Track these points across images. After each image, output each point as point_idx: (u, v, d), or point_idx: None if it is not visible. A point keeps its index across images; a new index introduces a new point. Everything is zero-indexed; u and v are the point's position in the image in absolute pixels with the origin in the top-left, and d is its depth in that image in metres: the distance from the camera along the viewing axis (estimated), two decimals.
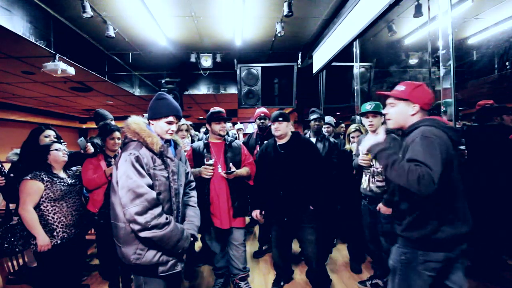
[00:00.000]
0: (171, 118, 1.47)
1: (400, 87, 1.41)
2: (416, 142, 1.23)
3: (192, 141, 3.21)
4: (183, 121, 2.66)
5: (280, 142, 2.24)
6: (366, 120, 2.21)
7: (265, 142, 2.42)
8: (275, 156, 2.20)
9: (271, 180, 2.19)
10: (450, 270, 1.33)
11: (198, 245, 3.34)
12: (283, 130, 2.19)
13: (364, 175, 2.30)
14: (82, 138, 2.42)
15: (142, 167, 1.35)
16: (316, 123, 2.92)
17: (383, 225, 2.13)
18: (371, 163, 2.21)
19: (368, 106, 2.20)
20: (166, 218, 1.35)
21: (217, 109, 2.28)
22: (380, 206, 2.11)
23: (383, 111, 1.49)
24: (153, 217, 1.29)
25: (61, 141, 2.26)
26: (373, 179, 2.23)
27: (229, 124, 4.53)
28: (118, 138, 2.34)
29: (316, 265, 2.22)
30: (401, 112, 1.38)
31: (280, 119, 2.19)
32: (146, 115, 1.58)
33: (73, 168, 2.31)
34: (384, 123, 2.21)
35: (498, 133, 2.36)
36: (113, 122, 2.81)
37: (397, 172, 1.20)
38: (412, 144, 1.26)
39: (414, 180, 1.14)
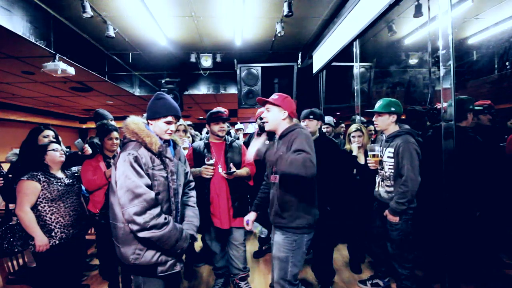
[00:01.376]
0: (170, 118, 1.47)
1: (274, 96, 1.68)
2: (297, 139, 1.53)
3: (193, 141, 3.21)
4: (181, 121, 2.66)
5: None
6: (373, 119, 2.18)
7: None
8: None
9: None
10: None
11: (198, 245, 3.34)
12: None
13: (377, 178, 2.24)
14: (80, 140, 2.41)
15: (141, 167, 1.35)
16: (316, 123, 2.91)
17: (389, 232, 2.08)
18: (378, 166, 2.15)
19: (376, 105, 2.13)
20: (165, 218, 1.35)
21: (216, 109, 2.28)
22: (387, 213, 2.05)
23: (262, 115, 1.76)
24: (152, 217, 1.29)
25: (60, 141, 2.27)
26: (382, 183, 2.15)
27: (238, 126, 4.54)
28: (116, 138, 2.33)
29: (324, 259, 2.28)
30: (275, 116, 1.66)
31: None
32: (145, 115, 1.58)
33: (73, 168, 2.30)
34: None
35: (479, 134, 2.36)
36: (113, 122, 2.80)
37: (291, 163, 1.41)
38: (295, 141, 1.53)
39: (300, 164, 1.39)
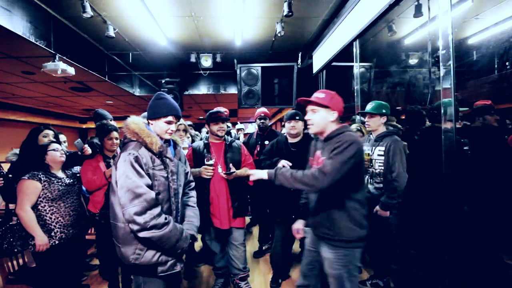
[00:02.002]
0: (170, 118, 1.47)
1: (320, 94, 1.52)
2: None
3: (193, 141, 3.21)
4: (181, 121, 2.66)
5: (292, 140, 2.26)
6: (365, 119, 2.25)
7: (276, 139, 2.43)
8: (287, 154, 2.22)
9: None
10: None
11: (198, 245, 3.34)
12: (299, 129, 2.23)
13: (364, 175, 2.31)
14: (79, 140, 2.41)
15: (141, 167, 1.35)
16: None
17: (380, 228, 2.17)
18: (369, 164, 2.22)
19: (368, 106, 2.23)
20: (165, 218, 1.35)
21: (216, 109, 2.28)
22: (377, 208, 2.14)
23: (306, 117, 1.58)
24: (152, 217, 1.29)
25: (63, 141, 2.26)
26: (371, 180, 2.25)
27: (238, 126, 4.53)
28: (116, 138, 2.32)
29: None
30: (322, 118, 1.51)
31: (297, 117, 2.22)
32: (144, 114, 1.58)
33: (74, 169, 2.30)
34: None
35: (482, 133, 2.39)
36: (112, 122, 2.80)
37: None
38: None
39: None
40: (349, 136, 1.41)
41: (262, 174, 1.55)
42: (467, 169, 2.18)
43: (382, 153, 2.16)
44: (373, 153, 2.23)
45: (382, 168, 2.17)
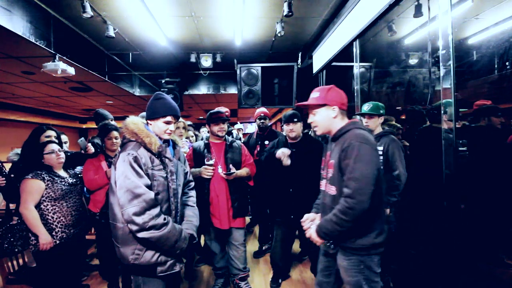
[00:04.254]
0: (169, 118, 1.47)
1: (315, 94, 1.46)
2: (353, 152, 1.28)
3: (197, 140, 3.21)
4: (180, 120, 2.66)
5: (291, 141, 2.26)
6: (363, 120, 2.25)
7: (276, 140, 2.42)
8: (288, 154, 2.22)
9: (281, 177, 2.20)
10: None
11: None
12: (297, 131, 2.22)
13: None
14: (83, 138, 2.41)
15: (140, 167, 1.35)
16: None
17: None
18: None
19: (365, 107, 2.23)
20: (164, 219, 1.35)
21: (216, 109, 2.28)
22: None
23: (308, 120, 1.51)
24: (151, 217, 1.29)
25: (64, 141, 2.25)
26: None
27: (237, 126, 4.53)
28: (116, 138, 2.32)
29: None
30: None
31: (295, 119, 2.21)
32: (142, 113, 1.57)
33: (77, 169, 2.31)
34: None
35: (486, 134, 2.39)
36: (113, 122, 2.81)
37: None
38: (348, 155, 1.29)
39: None
40: (356, 137, 1.30)
41: (316, 239, 1.40)
42: (464, 170, 2.18)
43: (381, 152, 2.17)
44: None
45: (382, 167, 2.17)
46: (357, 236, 1.34)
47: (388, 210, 2.13)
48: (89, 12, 2.91)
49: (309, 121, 1.51)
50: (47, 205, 1.88)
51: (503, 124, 2.54)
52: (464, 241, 1.86)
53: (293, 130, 2.21)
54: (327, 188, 1.44)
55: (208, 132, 2.36)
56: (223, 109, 2.49)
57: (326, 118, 1.42)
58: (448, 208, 1.75)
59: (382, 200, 1.38)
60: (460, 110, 2.22)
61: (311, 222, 1.51)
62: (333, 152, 1.42)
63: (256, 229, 4.00)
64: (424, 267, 2.49)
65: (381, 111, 2.23)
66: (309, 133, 3.08)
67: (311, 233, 1.41)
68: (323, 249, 1.52)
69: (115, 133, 2.32)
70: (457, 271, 1.79)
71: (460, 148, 2.07)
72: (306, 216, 1.55)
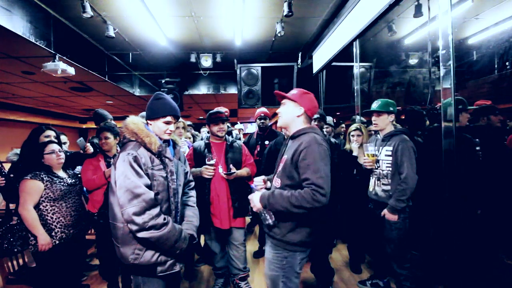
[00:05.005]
0: (169, 118, 1.47)
1: (293, 91, 1.54)
2: (307, 153, 1.36)
3: (193, 141, 3.21)
4: (180, 120, 2.66)
5: None
6: (372, 118, 2.18)
7: (275, 139, 2.42)
8: None
9: None
10: None
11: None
12: None
13: (371, 178, 2.23)
14: (82, 138, 2.41)
15: (140, 167, 1.34)
16: (315, 123, 2.92)
17: (387, 232, 2.06)
18: (375, 166, 2.15)
19: (374, 105, 2.14)
20: (164, 219, 1.34)
21: (215, 110, 2.28)
22: (385, 212, 2.03)
23: (277, 110, 1.60)
24: (151, 217, 1.29)
25: (63, 142, 2.25)
26: (378, 182, 2.14)
27: (238, 126, 4.53)
28: (106, 138, 2.31)
29: (321, 259, 2.26)
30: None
31: None
32: (142, 113, 1.57)
33: (77, 169, 2.30)
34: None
35: (486, 133, 2.38)
36: (112, 122, 2.81)
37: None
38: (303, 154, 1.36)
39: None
40: (310, 138, 1.38)
41: (257, 204, 1.44)
42: (479, 170, 2.15)
43: (390, 153, 2.04)
44: (380, 153, 2.12)
45: (390, 169, 2.04)
46: (290, 230, 1.40)
47: (396, 217, 1.97)
48: (89, 12, 2.91)
49: (277, 111, 1.59)
50: (46, 205, 1.88)
51: (502, 123, 2.54)
52: (464, 241, 1.86)
53: None
54: (274, 181, 1.53)
55: (208, 132, 2.36)
56: (223, 109, 2.48)
57: (291, 114, 1.50)
58: (449, 209, 1.75)
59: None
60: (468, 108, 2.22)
61: (263, 184, 1.59)
62: (288, 148, 1.50)
63: (256, 229, 4.00)
64: (425, 267, 2.49)
65: (391, 108, 2.09)
66: None
67: (254, 196, 1.45)
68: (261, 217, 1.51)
69: (106, 133, 2.31)
70: (457, 271, 1.79)
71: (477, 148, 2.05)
72: (261, 177, 1.62)
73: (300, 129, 1.49)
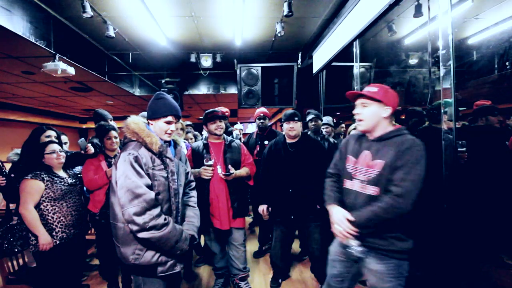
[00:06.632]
0: (170, 118, 1.47)
1: (372, 88, 1.40)
2: (411, 157, 1.27)
3: (195, 141, 3.21)
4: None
5: (290, 141, 2.25)
6: None
7: (274, 140, 2.42)
8: (286, 155, 2.21)
9: (280, 177, 2.20)
10: None
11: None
12: (298, 129, 2.20)
13: None
14: (83, 138, 2.42)
15: (141, 167, 1.34)
16: (313, 123, 2.93)
17: None
18: None
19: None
20: (165, 219, 1.35)
21: (211, 109, 2.28)
22: None
23: (354, 111, 1.46)
24: (152, 217, 1.29)
25: (64, 142, 2.25)
26: None
27: (238, 126, 4.53)
28: (115, 137, 2.33)
29: (321, 260, 2.25)
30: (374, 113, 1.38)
31: (296, 118, 2.19)
32: (143, 113, 1.57)
33: (76, 169, 2.30)
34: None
35: (486, 133, 2.37)
36: (112, 122, 2.81)
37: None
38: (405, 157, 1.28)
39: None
40: (417, 145, 1.27)
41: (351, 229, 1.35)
42: (463, 172, 2.16)
43: None
44: None
45: None
46: (399, 239, 1.33)
47: None
48: (89, 12, 2.91)
49: (355, 112, 1.44)
50: (47, 205, 1.88)
51: (501, 123, 2.54)
52: (464, 242, 1.86)
53: (293, 128, 2.18)
54: (364, 188, 1.38)
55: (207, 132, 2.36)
56: (219, 109, 2.48)
57: (377, 116, 1.36)
58: (450, 209, 1.75)
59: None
60: (460, 109, 2.22)
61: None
62: (378, 152, 1.35)
63: (257, 229, 4.00)
64: (425, 268, 2.49)
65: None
66: (308, 133, 3.07)
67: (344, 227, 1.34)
68: (348, 250, 1.39)
69: (113, 133, 2.32)
70: (457, 271, 1.79)
71: (459, 149, 2.05)
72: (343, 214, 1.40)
73: (390, 130, 1.37)
